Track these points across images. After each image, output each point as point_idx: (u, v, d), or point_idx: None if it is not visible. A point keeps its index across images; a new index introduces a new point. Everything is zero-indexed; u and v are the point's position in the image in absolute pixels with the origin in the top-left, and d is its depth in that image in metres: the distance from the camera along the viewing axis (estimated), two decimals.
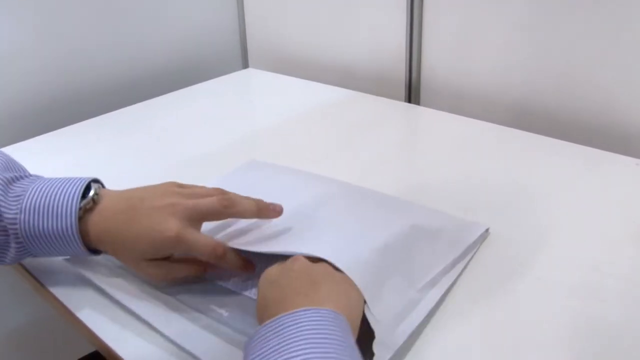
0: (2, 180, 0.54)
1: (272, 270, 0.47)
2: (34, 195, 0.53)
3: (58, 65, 1.02)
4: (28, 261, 0.61)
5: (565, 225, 0.63)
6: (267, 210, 0.56)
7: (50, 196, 0.53)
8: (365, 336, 0.45)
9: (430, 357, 0.47)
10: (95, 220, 0.54)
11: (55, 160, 0.85)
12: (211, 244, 0.52)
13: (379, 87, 1.08)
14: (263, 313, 0.44)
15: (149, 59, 1.15)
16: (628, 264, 0.56)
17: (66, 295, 0.56)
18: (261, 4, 1.25)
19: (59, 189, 0.54)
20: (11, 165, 0.57)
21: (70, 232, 0.53)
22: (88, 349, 0.67)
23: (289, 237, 0.54)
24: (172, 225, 0.51)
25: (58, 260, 0.60)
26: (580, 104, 0.85)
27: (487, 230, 0.62)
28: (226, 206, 0.54)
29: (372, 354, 0.44)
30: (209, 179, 0.58)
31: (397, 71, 1.05)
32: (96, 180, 0.57)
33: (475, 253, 0.59)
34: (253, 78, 1.21)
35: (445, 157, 0.81)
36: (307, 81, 1.13)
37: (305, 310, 0.40)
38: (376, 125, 0.92)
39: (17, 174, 0.56)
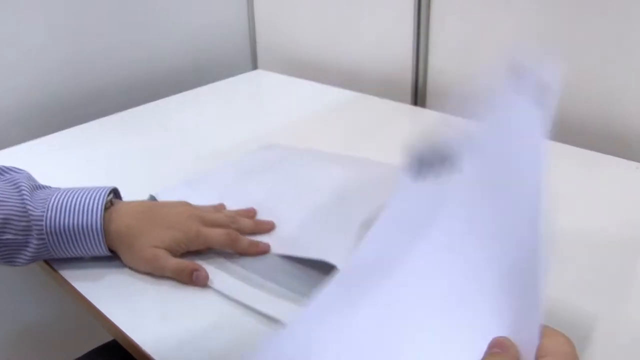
0: (29, 186, 0.60)
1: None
2: (60, 196, 0.59)
3: (68, 65, 1.03)
4: None
5: (565, 226, 0.65)
6: (261, 227, 0.63)
7: (76, 196, 0.59)
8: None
9: None
10: (115, 216, 0.59)
11: (66, 158, 0.87)
12: (224, 230, 0.59)
13: (386, 89, 1.09)
14: None
15: (159, 59, 1.17)
16: (627, 266, 0.58)
17: (84, 285, 0.58)
18: (271, 6, 1.27)
19: (83, 191, 0.60)
20: (33, 180, 0.63)
21: (94, 227, 0.57)
22: (104, 339, 0.69)
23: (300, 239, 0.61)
24: (191, 224, 0.59)
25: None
26: (583, 108, 0.87)
27: None
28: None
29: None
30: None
31: (404, 74, 1.06)
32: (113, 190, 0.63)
33: None
34: (262, 80, 1.23)
35: None
36: (315, 83, 1.14)
37: None
38: (383, 127, 0.94)
39: (40, 185, 0.63)
